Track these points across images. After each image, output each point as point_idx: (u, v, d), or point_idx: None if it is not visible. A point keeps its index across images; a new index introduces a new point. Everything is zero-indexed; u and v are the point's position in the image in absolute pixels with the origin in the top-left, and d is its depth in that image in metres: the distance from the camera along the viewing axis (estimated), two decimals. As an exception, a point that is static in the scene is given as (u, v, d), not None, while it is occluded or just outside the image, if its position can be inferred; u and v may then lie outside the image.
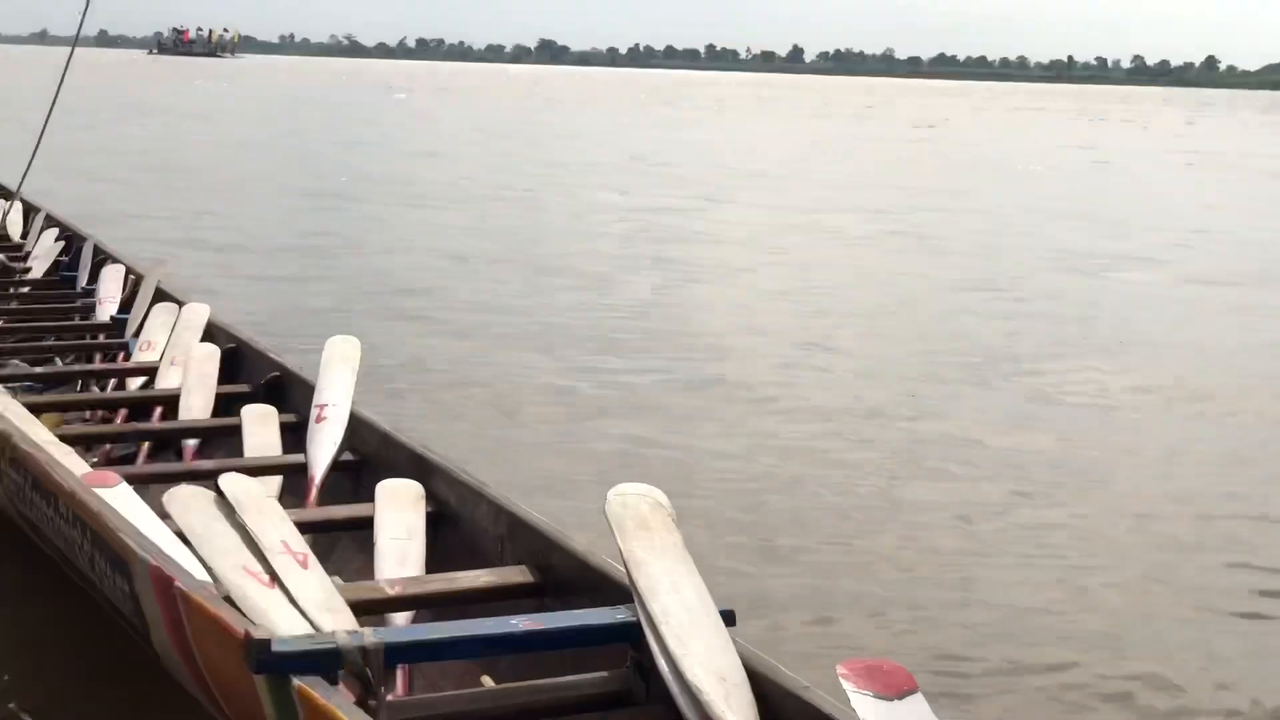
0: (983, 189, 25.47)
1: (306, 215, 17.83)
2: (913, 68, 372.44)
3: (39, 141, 6.22)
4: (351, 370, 5.35)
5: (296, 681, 2.75)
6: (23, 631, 4.64)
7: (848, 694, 2.61)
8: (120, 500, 4.08)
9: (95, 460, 5.79)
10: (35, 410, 5.69)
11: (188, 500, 3.72)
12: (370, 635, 2.92)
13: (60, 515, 4.13)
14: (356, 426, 5.04)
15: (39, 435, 4.89)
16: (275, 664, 2.79)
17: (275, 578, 3.44)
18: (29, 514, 4.51)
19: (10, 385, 6.42)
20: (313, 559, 3.56)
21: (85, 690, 4.27)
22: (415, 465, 4.56)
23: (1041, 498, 6.78)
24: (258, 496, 3.75)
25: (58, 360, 7.41)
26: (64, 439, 5.11)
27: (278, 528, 3.62)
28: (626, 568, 3.15)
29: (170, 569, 3.40)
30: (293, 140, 33.30)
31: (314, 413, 5.12)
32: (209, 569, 3.50)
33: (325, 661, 2.83)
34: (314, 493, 4.75)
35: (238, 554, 3.52)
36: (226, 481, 3.77)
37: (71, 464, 4.48)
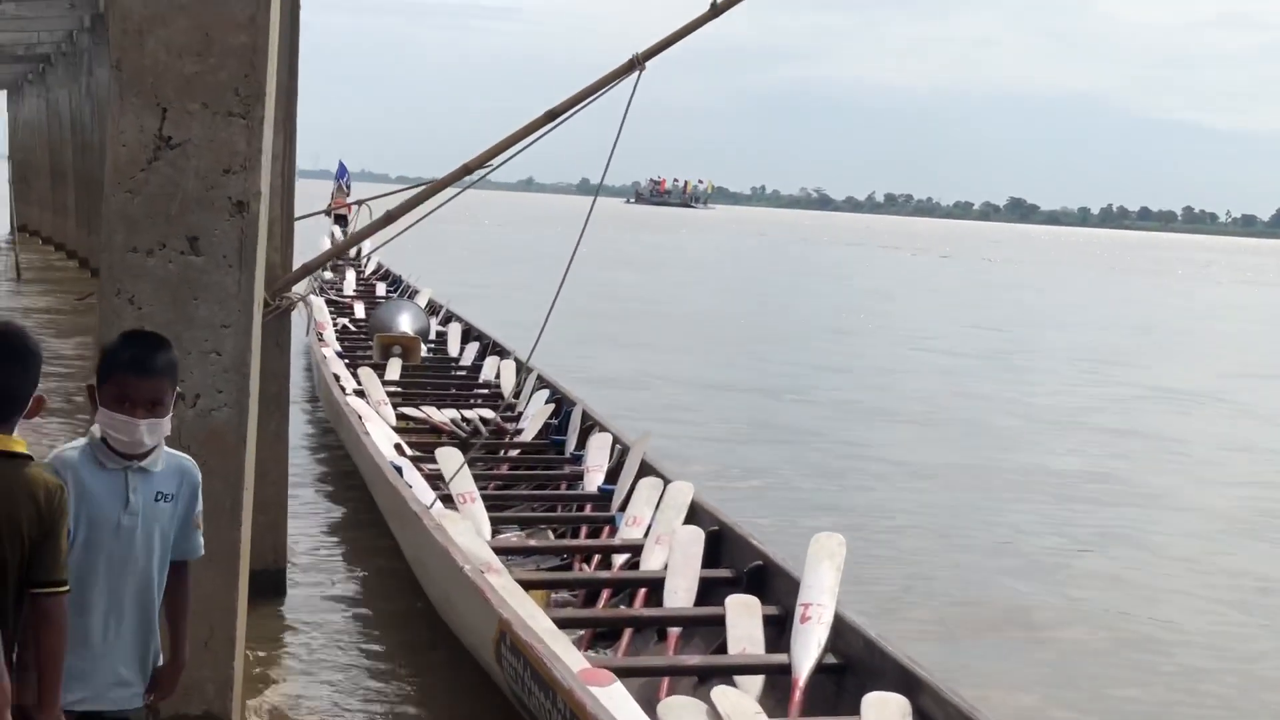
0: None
1: (792, 387, 17.49)
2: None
3: (552, 306, 6.43)
4: (836, 568, 5.34)
5: None
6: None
7: None
8: (614, 701, 4.17)
9: (579, 636, 5.95)
10: (528, 586, 5.94)
11: (680, 710, 3.79)
12: None
13: (558, 710, 4.24)
14: (840, 628, 5.01)
15: (536, 621, 5.05)
16: None
17: (766, 801, 3.43)
18: (526, 701, 4.66)
19: (503, 551, 6.72)
20: (804, 784, 3.54)
21: None
22: (902, 678, 4.50)
23: None
24: (749, 713, 3.77)
25: (549, 533, 7.68)
26: (557, 621, 5.27)
27: (769, 750, 3.63)
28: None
29: (666, 787, 3.44)
30: (774, 298, 33.65)
31: (799, 611, 5.12)
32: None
33: None
34: (797, 696, 4.74)
35: (729, 773, 3.54)
36: (719, 696, 3.82)
37: (568, 656, 4.60)
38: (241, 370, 4.62)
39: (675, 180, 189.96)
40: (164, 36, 4.58)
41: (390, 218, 7.20)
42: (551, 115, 6.97)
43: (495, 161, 6.95)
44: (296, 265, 7.21)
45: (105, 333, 4.55)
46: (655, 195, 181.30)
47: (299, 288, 7.30)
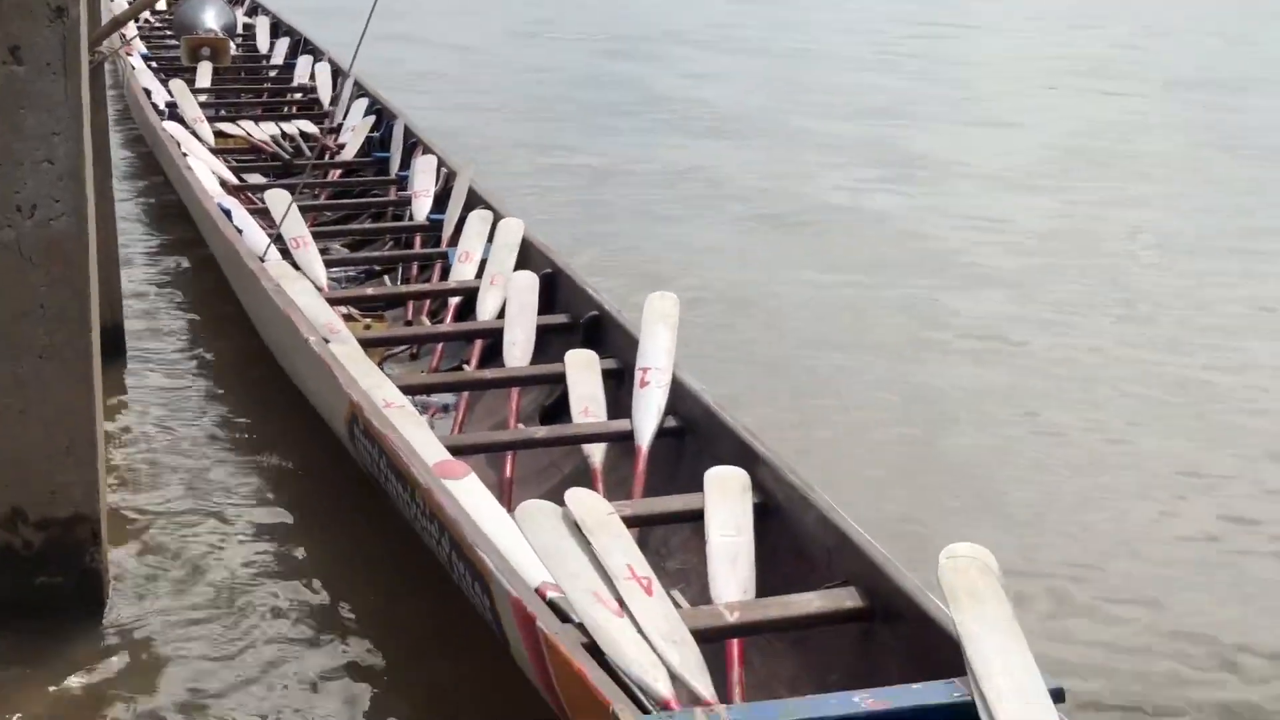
0: None
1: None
2: None
3: (372, 11, 6.27)
4: (671, 329, 5.56)
5: (662, 765, 3.02)
6: (375, 592, 5.02)
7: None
8: (470, 496, 4.38)
9: (423, 409, 6.13)
10: (369, 344, 6.12)
11: (537, 516, 3.98)
12: (726, 718, 3.16)
13: (417, 506, 4.45)
14: (680, 392, 5.25)
15: (385, 393, 5.23)
16: (642, 748, 3.06)
17: (623, 604, 3.69)
18: (382, 484, 4.86)
19: (342, 301, 6.85)
20: (656, 584, 3.80)
21: (435, 665, 4.61)
22: (739, 451, 4.75)
23: None
24: (602, 515, 4.00)
25: (386, 280, 7.90)
26: (403, 388, 5.45)
27: (624, 551, 3.87)
28: (960, 642, 3.33)
29: (532, 605, 3.69)
30: None
31: (638, 376, 5.35)
32: (561, 592, 3.78)
33: (686, 746, 3.10)
34: (641, 465, 5.01)
35: (587, 578, 3.77)
36: (573, 499, 4.01)
37: (420, 440, 4.78)
38: (77, 177, 4.60)
39: None
40: None
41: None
42: None
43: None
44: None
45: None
46: None
47: (111, 41, 7.14)
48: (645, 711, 3.28)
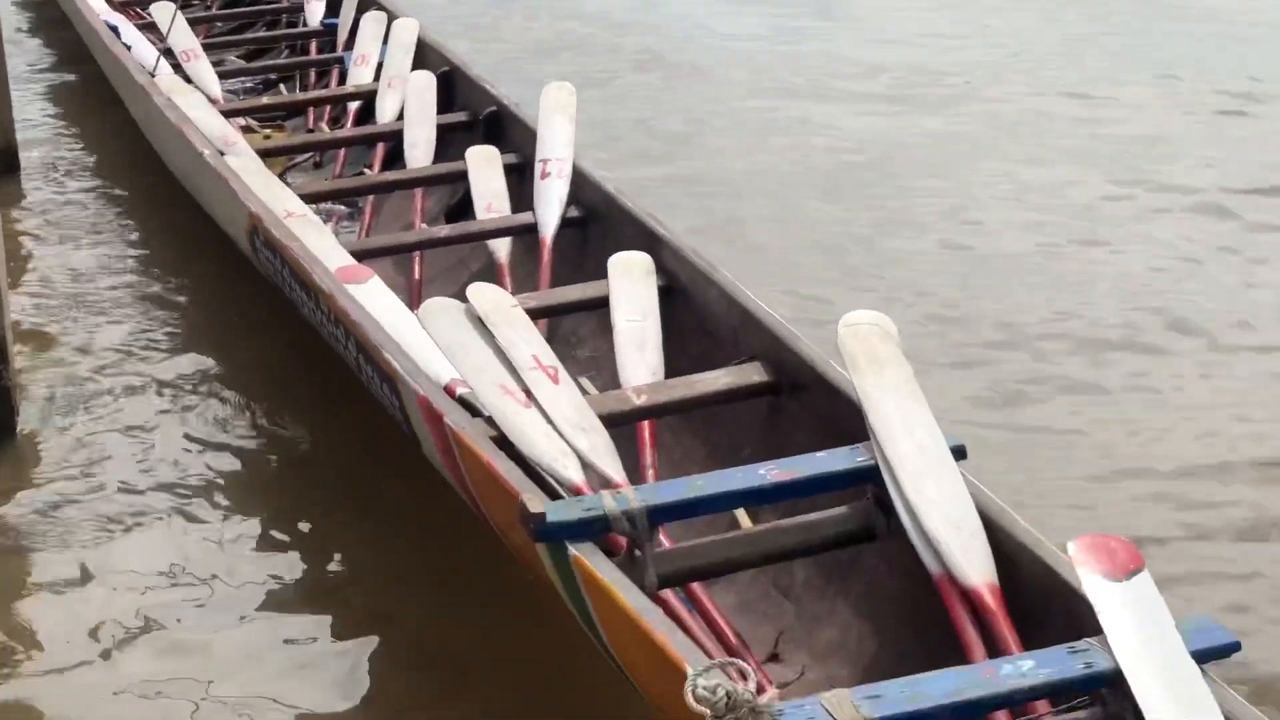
0: None
1: None
2: None
3: None
4: (569, 119, 5.49)
5: (572, 551, 3.03)
6: (286, 399, 5.03)
7: (1078, 573, 2.79)
8: (374, 298, 4.34)
9: (327, 217, 6.08)
10: (268, 154, 6.04)
11: (439, 313, 3.94)
12: (634, 500, 3.16)
13: (322, 312, 4.42)
14: (580, 182, 5.21)
15: (286, 203, 5.15)
16: (551, 533, 3.07)
17: (530, 395, 3.69)
18: (286, 293, 4.82)
19: (237, 113, 6.73)
20: (563, 373, 3.79)
21: (351, 467, 4.65)
22: (642, 235, 4.72)
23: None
24: (505, 307, 3.97)
25: (282, 87, 7.81)
26: (304, 196, 5.38)
27: (528, 341, 3.84)
28: (862, 407, 3.35)
29: (439, 402, 3.67)
30: None
31: (538, 168, 5.29)
32: (469, 387, 3.77)
33: (595, 527, 3.11)
34: (546, 256, 4.98)
35: (493, 370, 3.75)
36: (475, 293, 3.98)
37: (323, 247, 4.72)
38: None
39: None
40: None
41: None
42: None
43: None
44: None
45: None
46: None
47: None
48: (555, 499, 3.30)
